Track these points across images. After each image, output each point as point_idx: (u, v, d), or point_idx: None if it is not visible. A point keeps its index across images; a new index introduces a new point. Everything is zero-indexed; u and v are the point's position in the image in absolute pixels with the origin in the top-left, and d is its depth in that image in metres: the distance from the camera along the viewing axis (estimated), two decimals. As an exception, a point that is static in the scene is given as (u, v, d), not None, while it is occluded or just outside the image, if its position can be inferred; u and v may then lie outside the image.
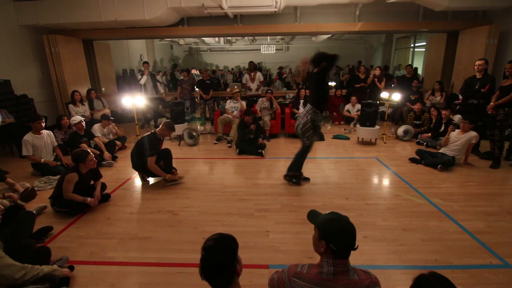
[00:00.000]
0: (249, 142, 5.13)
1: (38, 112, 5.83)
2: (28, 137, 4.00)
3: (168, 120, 3.89)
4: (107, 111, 6.39)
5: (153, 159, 3.63)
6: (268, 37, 14.15)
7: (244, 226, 2.81)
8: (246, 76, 7.14)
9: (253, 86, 7.04)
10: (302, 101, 6.19)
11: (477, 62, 4.50)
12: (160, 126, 3.79)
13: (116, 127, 5.48)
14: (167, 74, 11.88)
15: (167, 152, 3.89)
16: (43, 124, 4.13)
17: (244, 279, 2.01)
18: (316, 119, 3.37)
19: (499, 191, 3.56)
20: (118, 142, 5.20)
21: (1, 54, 5.75)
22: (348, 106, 7.09)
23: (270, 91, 6.23)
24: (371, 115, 5.37)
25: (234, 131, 5.51)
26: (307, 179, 3.81)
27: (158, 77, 10.40)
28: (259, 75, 7.06)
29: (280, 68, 14.50)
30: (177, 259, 2.34)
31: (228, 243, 1.20)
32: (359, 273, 1.26)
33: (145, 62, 7.03)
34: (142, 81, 6.80)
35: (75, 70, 6.86)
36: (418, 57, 11.35)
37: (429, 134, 5.29)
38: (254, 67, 7.15)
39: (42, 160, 4.10)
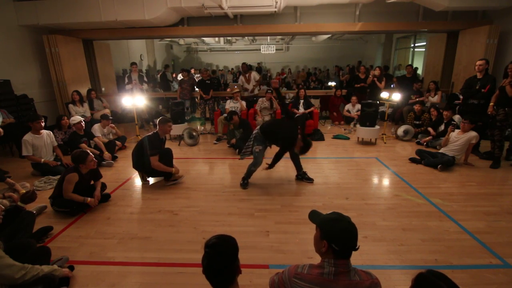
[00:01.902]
0: (238, 140, 5.12)
1: (38, 112, 5.83)
2: (28, 137, 4.00)
3: (161, 117, 3.85)
4: (107, 111, 6.38)
5: (156, 158, 3.62)
6: (268, 37, 14.15)
7: (244, 226, 2.81)
8: (241, 78, 7.13)
9: (249, 86, 7.04)
10: (302, 101, 6.19)
11: (478, 62, 4.50)
12: (159, 125, 3.76)
13: (115, 127, 5.48)
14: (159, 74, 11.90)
15: (168, 152, 3.89)
16: (43, 124, 4.13)
17: (244, 279, 2.01)
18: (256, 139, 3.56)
19: (499, 191, 3.56)
20: (118, 142, 5.20)
21: (1, 54, 5.75)
22: (348, 106, 7.09)
23: (270, 91, 6.22)
24: (371, 115, 5.37)
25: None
26: (311, 180, 3.82)
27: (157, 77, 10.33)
28: (254, 75, 7.04)
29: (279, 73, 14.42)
30: (177, 259, 2.34)
31: (232, 242, 1.22)
32: (360, 273, 1.26)
33: (133, 63, 7.01)
34: (128, 87, 6.79)
35: (75, 70, 6.85)
36: (418, 57, 11.35)
37: (430, 137, 5.27)
38: (247, 68, 7.13)
39: (42, 160, 4.10)
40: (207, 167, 4.61)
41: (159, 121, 3.75)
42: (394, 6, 6.38)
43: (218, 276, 1.16)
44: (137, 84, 6.83)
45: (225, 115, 6.09)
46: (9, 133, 4.95)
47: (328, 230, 1.26)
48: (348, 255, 1.25)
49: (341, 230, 1.24)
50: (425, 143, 5.29)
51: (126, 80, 6.87)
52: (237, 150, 5.08)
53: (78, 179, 2.99)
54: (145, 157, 3.65)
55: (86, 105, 6.16)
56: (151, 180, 3.95)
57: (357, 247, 1.24)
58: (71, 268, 2.16)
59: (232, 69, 16.33)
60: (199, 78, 7.57)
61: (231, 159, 4.86)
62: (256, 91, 7.09)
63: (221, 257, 1.16)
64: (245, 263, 2.22)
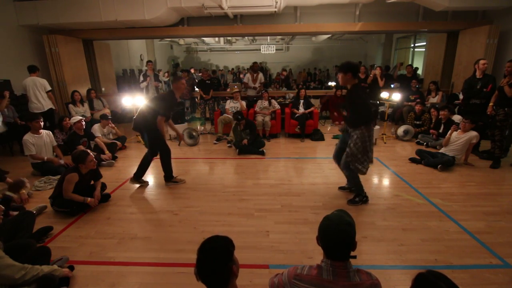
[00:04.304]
0: (249, 141, 5.13)
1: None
2: (28, 137, 4.01)
3: (174, 76, 3.74)
4: (107, 111, 6.38)
5: (163, 118, 3.46)
6: (268, 37, 14.14)
7: (244, 226, 2.81)
8: (248, 76, 7.09)
9: (256, 86, 7.03)
10: (302, 101, 6.19)
11: (482, 61, 4.48)
12: (172, 84, 3.58)
13: (115, 127, 5.49)
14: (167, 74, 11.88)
15: (167, 152, 3.72)
16: (42, 123, 4.13)
17: (244, 279, 2.01)
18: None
19: (499, 191, 3.56)
20: (118, 142, 5.20)
21: (1, 54, 5.75)
22: (348, 106, 7.08)
23: (265, 91, 6.32)
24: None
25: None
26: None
27: (161, 76, 10.37)
28: (261, 76, 7.04)
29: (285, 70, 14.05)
30: (177, 259, 2.34)
31: (223, 244, 1.21)
32: (361, 274, 1.26)
33: (149, 61, 7.02)
34: (143, 85, 6.77)
35: (75, 70, 6.85)
36: (418, 57, 11.35)
37: (435, 132, 5.27)
38: (258, 68, 7.12)
39: (46, 158, 4.11)
40: (207, 167, 4.61)
41: (172, 80, 3.62)
42: (394, 6, 6.38)
43: (211, 279, 1.17)
44: (152, 81, 6.84)
45: (226, 115, 6.10)
46: (10, 132, 4.98)
47: (319, 225, 1.31)
48: (336, 256, 1.25)
49: (322, 228, 1.28)
50: (425, 143, 5.29)
51: (141, 78, 6.87)
52: (237, 150, 5.08)
53: (78, 179, 2.99)
54: (154, 116, 3.45)
55: (86, 105, 6.16)
56: (150, 181, 3.95)
57: (354, 255, 1.26)
58: (71, 268, 2.16)
59: (232, 69, 16.33)
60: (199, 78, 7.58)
61: (231, 159, 4.86)
62: (260, 92, 7.09)
63: (210, 261, 1.16)
64: (245, 263, 2.23)
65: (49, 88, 5.47)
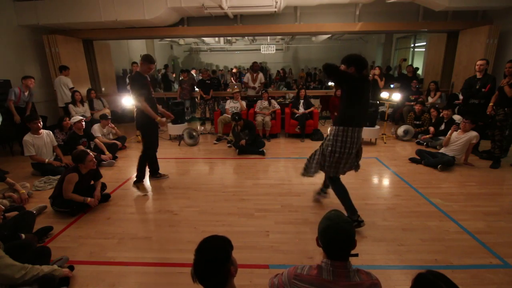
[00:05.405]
0: (248, 141, 5.13)
1: (38, 112, 5.84)
2: (28, 137, 4.00)
3: (145, 54, 3.60)
4: (107, 111, 6.38)
5: (143, 98, 3.36)
6: (268, 37, 14.14)
7: (244, 226, 2.81)
8: (248, 76, 7.09)
9: (255, 86, 7.03)
10: (302, 101, 6.19)
11: (479, 62, 4.50)
12: (140, 62, 3.51)
13: (115, 127, 5.49)
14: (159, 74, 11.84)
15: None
16: (40, 125, 4.12)
17: (244, 279, 2.01)
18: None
19: (499, 191, 3.56)
20: (118, 142, 5.20)
21: (1, 54, 5.75)
22: (348, 106, 7.07)
23: (265, 91, 6.33)
24: (371, 115, 5.37)
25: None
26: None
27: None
28: (261, 76, 7.04)
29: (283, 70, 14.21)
30: (177, 259, 2.34)
31: (221, 245, 1.20)
32: (360, 274, 1.26)
33: (134, 63, 7.05)
34: (129, 88, 6.76)
35: (75, 70, 6.83)
36: (418, 57, 11.34)
37: (430, 135, 5.29)
38: (258, 68, 7.12)
39: (46, 160, 4.11)
40: (207, 167, 4.61)
41: (143, 57, 3.44)
42: (394, 6, 6.38)
43: (208, 279, 1.16)
44: None
45: (226, 115, 6.10)
46: (10, 132, 5.00)
47: (319, 225, 1.30)
48: (338, 256, 1.25)
49: (323, 228, 1.28)
50: (425, 143, 5.29)
51: (127, 81, 6.85)
52: (237, 150, 5.08)
53: (78, 179, 2.99)
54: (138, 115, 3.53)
55: (86, 105, 6.16)
56: (148, 184, 3.95)
57: (355, 254, 1.26)
58: (71, 268, 2.16)
59: (232, 69, 16.33)
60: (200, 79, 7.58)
61: (231, 159, 4.86)
62: (260, 93, 7.09)
63: (208, 262, 1.15)
64: (245, 263, 2.22)
65: (71, 85, 6.07)
